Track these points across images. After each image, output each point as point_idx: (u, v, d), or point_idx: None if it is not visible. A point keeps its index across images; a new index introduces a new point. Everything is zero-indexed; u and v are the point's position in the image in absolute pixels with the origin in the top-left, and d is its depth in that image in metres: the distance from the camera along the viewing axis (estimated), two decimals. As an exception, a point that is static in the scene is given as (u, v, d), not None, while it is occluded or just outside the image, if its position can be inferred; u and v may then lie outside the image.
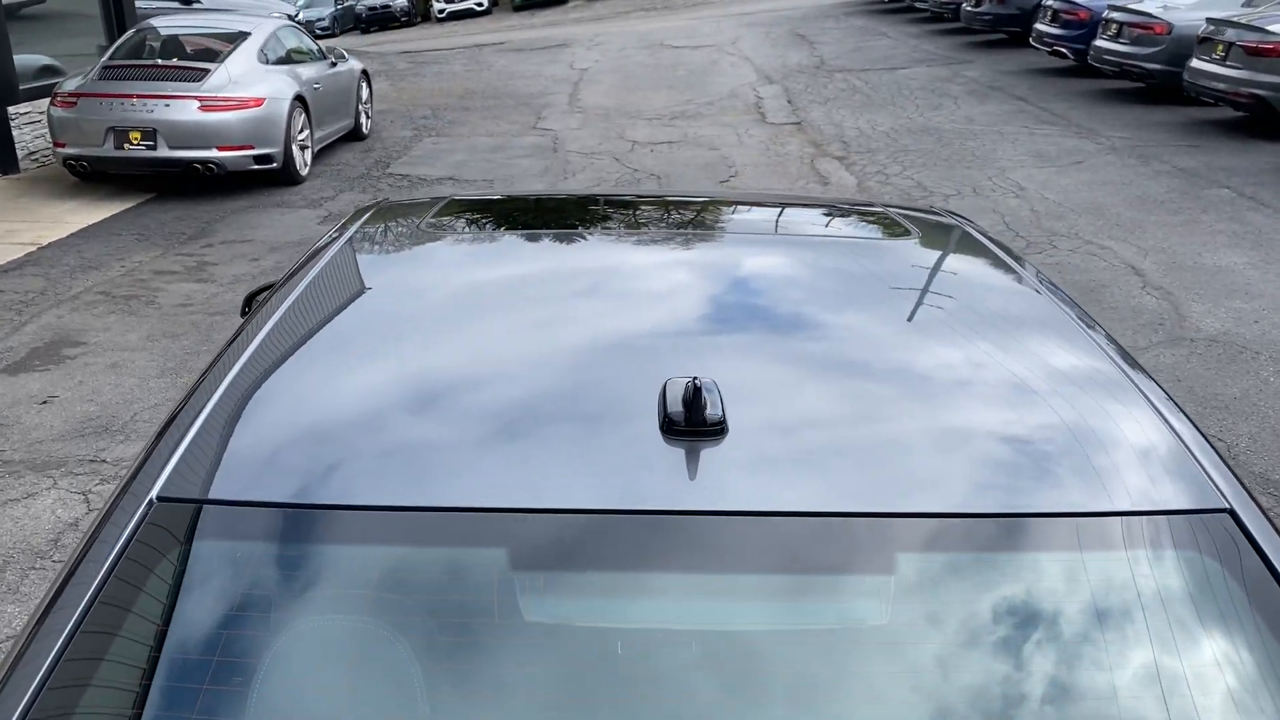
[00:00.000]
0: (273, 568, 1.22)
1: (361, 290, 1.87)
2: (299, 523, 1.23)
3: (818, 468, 1.29)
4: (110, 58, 9.91)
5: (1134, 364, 1.60)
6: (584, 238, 2.21)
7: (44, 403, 5.23)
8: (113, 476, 4.50)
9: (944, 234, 2.21)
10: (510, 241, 2.24)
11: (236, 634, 1.19)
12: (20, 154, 10.48)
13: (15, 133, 10.44)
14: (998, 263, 2.00)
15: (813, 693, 1.08)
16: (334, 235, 2.18)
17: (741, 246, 2.17)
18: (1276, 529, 1.29)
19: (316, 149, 10.66)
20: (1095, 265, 7.23)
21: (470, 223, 2.40)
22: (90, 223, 8.63)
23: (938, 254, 2.08)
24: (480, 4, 37.23)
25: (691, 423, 1.27)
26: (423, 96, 16.10)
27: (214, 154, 9.21)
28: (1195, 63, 11.73)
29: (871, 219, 2.39)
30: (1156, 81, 13.10)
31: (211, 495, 1.27)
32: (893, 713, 1.07)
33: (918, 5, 23.65)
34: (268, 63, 10.12)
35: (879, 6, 26.28)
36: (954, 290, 1.84)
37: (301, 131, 10.12)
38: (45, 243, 8.04)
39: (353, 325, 1.71)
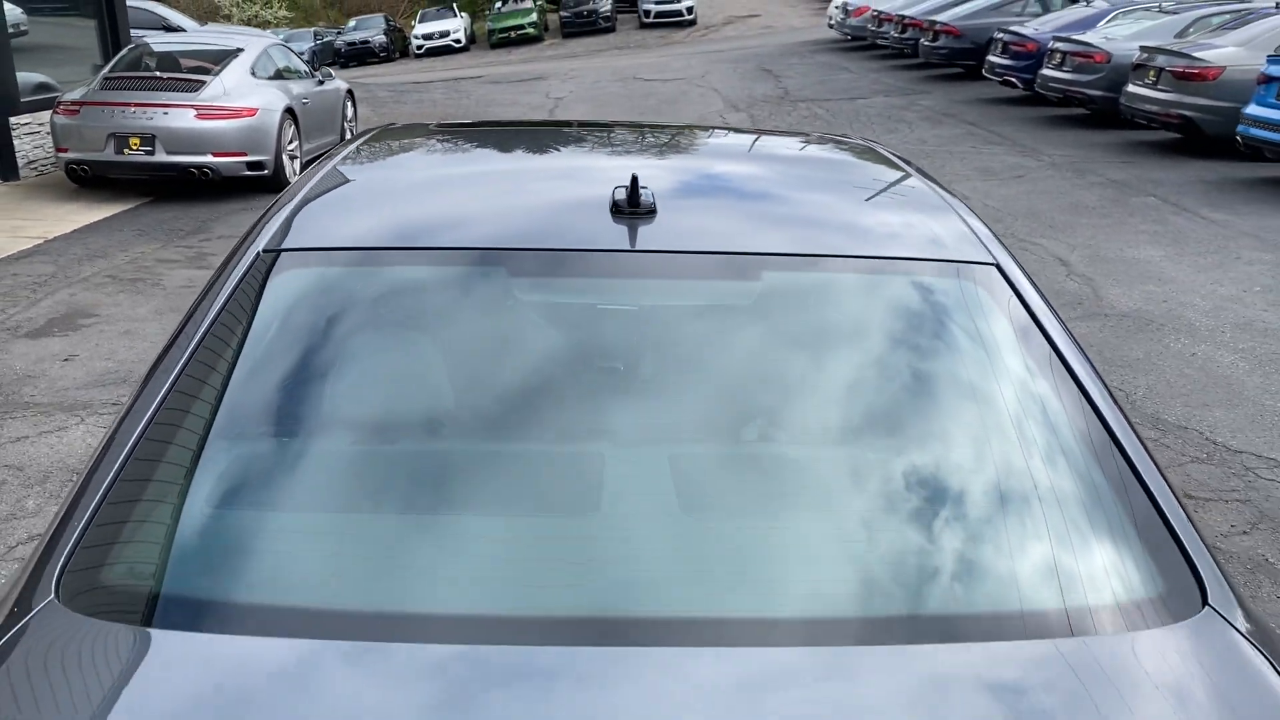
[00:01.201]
0: (350, 291, 1.80)
1: (398, 151, 2.49)
2: (370, 260, 1.82)
3: (713, 232, 1.90)
4: (111, 70, 10.49)
5: (946, 189, 2.22)
6: (566, 133, 2.83)
7: (66, 360, 5.76)
8: (134, 414, 5.02)
9: (846, 141, 2.83)
10: (511, 132, 2.86)
11: (320, 342, 1.76)
12: (20, 162, 11.00)
13: (16, 142, 10.97)
14: (881, 157, 2.61)
15: (707, 334, 1.70)
16: (352, 139, 2.77)
17: (686, 141, 2.79)
18: (1035, 285, 1.89)
19: (305, 160, 11.24)
20: (1026, 258, 7.90)
21: (474, 128, 3.01)
22: (92, 221, 9.16)
23: (832, 145, 2.70)
24: (458, 41, 38.10)
25: (631, 204, 1.85)
26: (404, 120, 16.75)
27: (209, 159, 9.77)
28: (1131, 87, 12.57)
29: (796, 134, 3.03)
30: (1097, 106, 13.93)
31: (302, 245, 1.85)
32: (748, 341, 1.70)
33: (880, 42, 24.59)
34: (260, 77, 10.72)
35: (844, 45, 27.29)
36: (838, 163, 2.47)
37: (291, 142, 10.71)
38: (52, 236, 8.57)
39: (397, 165, 2.32)
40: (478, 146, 2.62)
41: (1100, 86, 13.79)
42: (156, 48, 11.50)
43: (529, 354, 1.73)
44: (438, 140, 2.71)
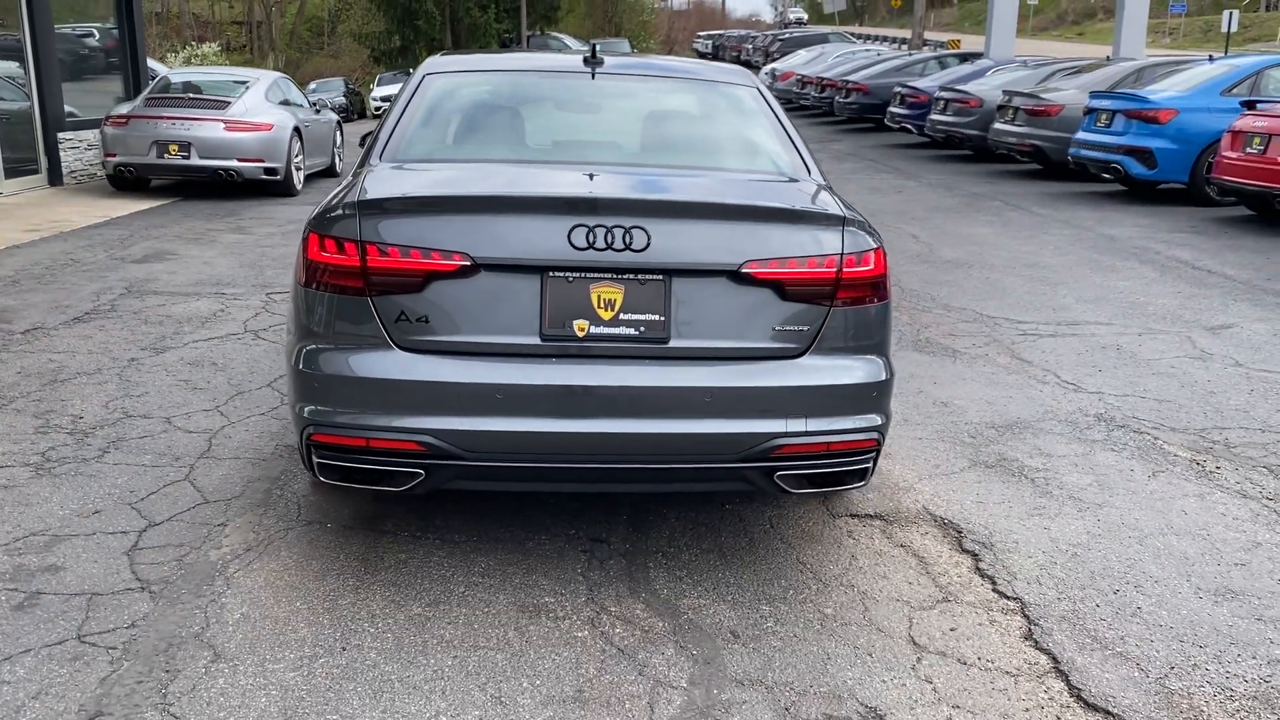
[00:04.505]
0: (469, 84, 4.04)
1: (466, 53, 4.71)
2: (475, 74, 4.08)
3: (630, 69, 4.17)
4: (150, 93, 12.62)
5: (756, 78, 4.47)
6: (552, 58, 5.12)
7: (171, 273, 7.82)
8: (233, 297, 7.10)
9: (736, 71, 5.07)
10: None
11: (457, 102, 3.97)
12: (64, 171, 13.02)
13: (61, 154, 12.99)
14: (733, 67, 4.84)
15: (626, 104, 4.00)
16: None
17: (621, 55, 5.06)
18: (775, 98, 4.14)
19: (305, 175, 13.37)
20: (889, 234, 10.25)
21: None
22: (141, 209, 11.21)
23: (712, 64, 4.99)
24: (414, 102, 40.53)
25: (592, 57, 4.07)
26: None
27: (235, 163, 11.89)
28: (996, 124, 15.21)
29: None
30: (973, 143, 16.57)
31: (444, 70, 4.05)
32: (647, 107, 4.02)
33: (803, 103, 27.37)
34: (272, 102, 12.89)
35: (772, 105, 30.13)
36: (704, 64, 4.75)
37: (297, 156, 12.85)
38: (114, 216, 10.61)
39: (471, 56, 4.53)
40: (513, 52, 4.88)
41: (975, 127, 16.44)
42: (178, 79, 13.66)
43: (549, 108, 3.99)
44: (485, 51, 4.96)
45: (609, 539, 3.61)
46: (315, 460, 3.13)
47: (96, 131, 12.77)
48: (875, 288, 3.23)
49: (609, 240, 3.00)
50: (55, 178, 12.93)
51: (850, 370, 3.19)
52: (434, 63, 4.16)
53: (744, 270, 3.07)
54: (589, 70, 4.04)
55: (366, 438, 3.02)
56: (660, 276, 3.05)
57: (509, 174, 3.51)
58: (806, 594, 3.30)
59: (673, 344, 3.07)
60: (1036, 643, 3.05)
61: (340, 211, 3.10)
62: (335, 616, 3.04)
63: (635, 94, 4.15)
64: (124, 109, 12.23)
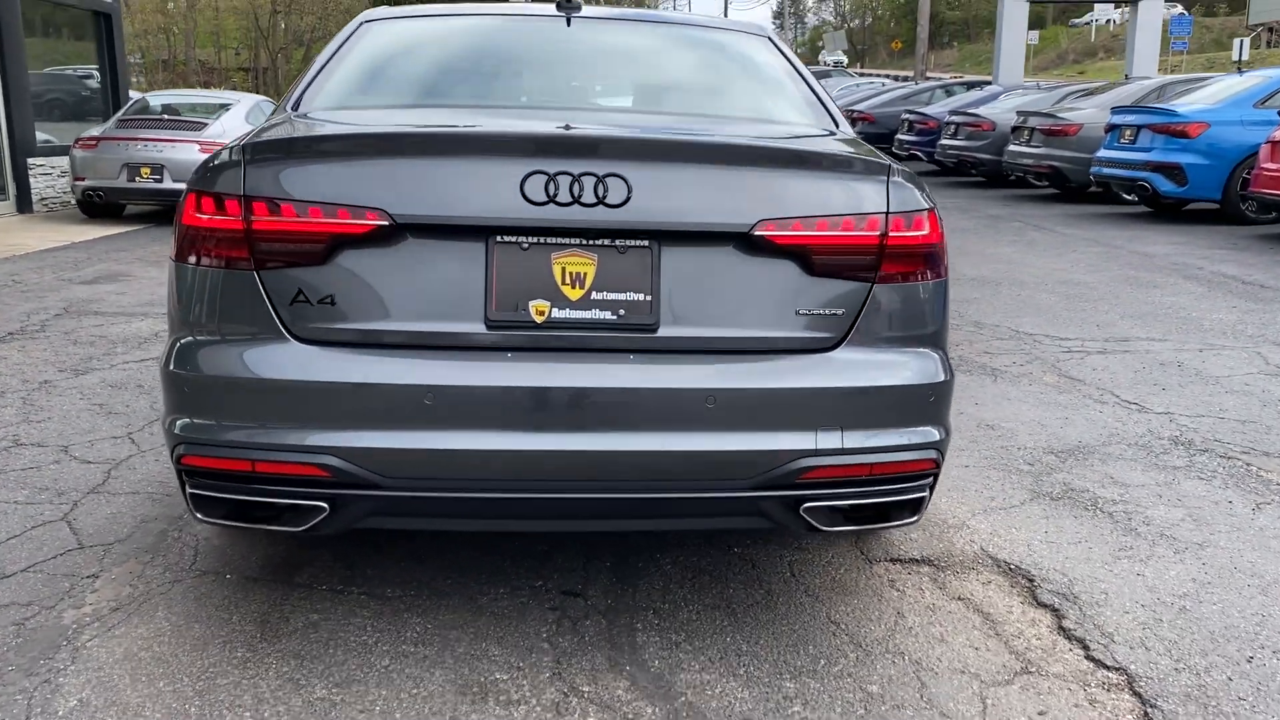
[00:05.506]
0: (410, 28, 3.30)
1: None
2: (422, 19, 3.32)
3: (612, 16, 3.43)
4: (124, 114, 11.97)
5: (769, 30, 3.75)
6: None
7: (120, 294, 7.08)
8: (182, 319, 6.36)
9: (744, 22, 4.37)
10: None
11: (400, 46, 3.24)
12: (34, 198, 12.35)
13: (31, 181, 12.32)
14: (764, 39, 4.13)
15: (607, 52, 3.25)
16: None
17: (616, 10, 4.36)
18: (788, 47, 3.42)
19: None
20: (906, 254, 9.53)
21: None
22: (108, 234, 10.50)
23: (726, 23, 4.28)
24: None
25: (569, 2, 3.36)
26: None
27: (209, 187, 11.18)
28: (1010, 147, 14.53)
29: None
30: (986, 168, 15.88)
31: (383, 17, 3.33)
32: (634, 54, 3.26)
33: (808, 134, 26.85)
34: (252, 124, 12.24)
35: (776, 138, 29.61)
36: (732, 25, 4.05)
37: (278, 180, 12.17)
38: (78, 240, 9.90)
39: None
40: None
41: (988, 151, 15.77)
42: (156, 100, 13.03)
43: (512, 60, 3.26)
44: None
45: (586, 591, 2.82)
46: (189, 491, 2.35)
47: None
48: (929, 260, 2.47)
49: (576, 192, 2.25)
50: (24, 204, 12.26)
51: (899, 368, 2.42)
52: (374, 11, 3.45)
53: (757, 233, 2.31)
54: (563, 15, 3.32)
55: (252, 460, 2.25)
56: (645, 242, 2.30)
57: (446, 116, 2.78)
58: (843, 665, 2.51)
59: (663, 332, 2.31)
60: (1158, 733, 2.26)
61: (224, 158, 2.35)
62: (207, 704, 2.25)
63: (621, 45, 3.41)
64: (95, 131, 11.58)
